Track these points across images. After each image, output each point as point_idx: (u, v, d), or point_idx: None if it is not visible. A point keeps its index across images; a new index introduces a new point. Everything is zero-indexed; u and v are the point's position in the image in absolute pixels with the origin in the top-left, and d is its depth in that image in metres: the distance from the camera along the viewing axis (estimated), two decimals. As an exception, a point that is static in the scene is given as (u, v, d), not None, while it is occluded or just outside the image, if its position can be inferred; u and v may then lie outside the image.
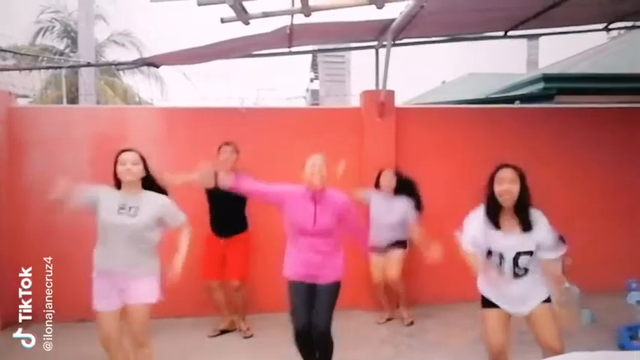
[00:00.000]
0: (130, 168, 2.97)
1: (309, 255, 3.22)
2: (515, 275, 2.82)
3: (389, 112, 5.07)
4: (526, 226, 2.74)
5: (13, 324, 4.71)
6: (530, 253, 2.77)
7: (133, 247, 2.97)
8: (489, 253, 2.86)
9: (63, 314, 4.78)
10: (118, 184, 3.06)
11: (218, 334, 4.48)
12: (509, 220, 2.79)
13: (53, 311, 4.79)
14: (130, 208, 2.97)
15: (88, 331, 4.47)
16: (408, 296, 4.80)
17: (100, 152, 4.91)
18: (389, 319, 4.82)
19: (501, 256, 2.81)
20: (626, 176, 5.57)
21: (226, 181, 3.29)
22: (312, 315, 3.21)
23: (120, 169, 2.99)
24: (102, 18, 16.44)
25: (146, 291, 3.02)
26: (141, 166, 3.04)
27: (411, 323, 4.69)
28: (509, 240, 2.77)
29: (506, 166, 2.81)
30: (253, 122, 5.06)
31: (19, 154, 4.80)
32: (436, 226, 5.00)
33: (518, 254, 2.76)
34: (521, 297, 2.84)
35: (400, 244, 4.60)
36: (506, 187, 2.71)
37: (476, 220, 2.90)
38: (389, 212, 4.56)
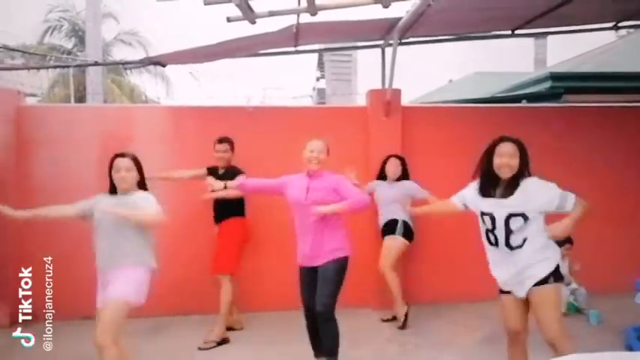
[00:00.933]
0: (124, 176, 3.02)
1: (307, 237, 3.31)
2: (510, 244, 2.76)
3: (395, 111, 5.06)
4: (517, 191, 2.71)
5: (22, 322, 4.76)
6: (524, 216, 2.71)
7: (116, 241, 2.98)
8: (482, 220, 2.86)
9: (65, 312, 4.82)
10: (113, 188, 3.13)
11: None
12: (504, 189, 2.78)
13: (53, 310, 4.85)
14: (122, 204, 2.97)
15: (89, 330, 4.50)
16: (400, 291, 4.54)
17: (107, 151, 4.92)
18: (394, 317, 4.80)
19: (493, 219, 2.78)
20: (634, 176, 5.53)
21: (233, 186, 3.42)
22: (316, 295, 3.29)
23: (114, 176, 3.05)
24: (112, 16, 16.55)
25: (124, 287, 2.93)
26: (134, 173, 3.08)
27: (403, 327, 4.50)
28: (502, 202, 2.74)
29: (507, 139, 2.81)
30: (260, 121, 5.07)
31: (28, 152, 4.83)
32: (441, 224, 5.02)
33: (510, 215, 2.72)
34: (519, 273, 2.77)
35: (395, 227, 4.53)
36: (506, 161, 2.71)
37: (472, 186, 2.98)
38: (392, 194, 4.56)
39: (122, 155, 3.08)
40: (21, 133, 4.81)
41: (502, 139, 2.82)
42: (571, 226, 2.74)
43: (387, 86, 4.96)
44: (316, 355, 3.51)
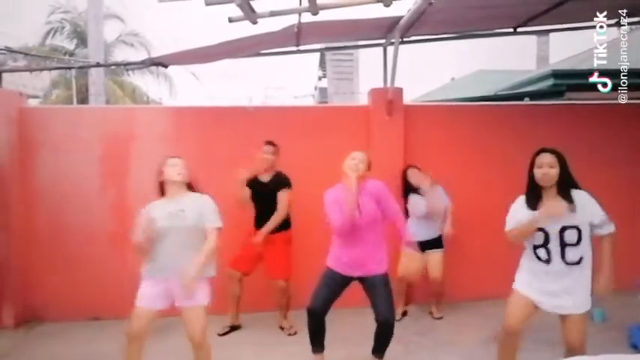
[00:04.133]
0: (181, 170, 3.13)
1: (354, 248, 3.33)
2: (565, 259, 2.77)
3: (397, 110, 5.05)
4: (567, 199, 2.75)
5: (27, 322, 4.78)
6: (578, 229, 2.75)
7: (186, 250, 3.01)
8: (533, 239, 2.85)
9: (75, 313, 4.85)
10: (161, 190, 3.18)
11: (228, 332, 4.50)
12: (550, 202, 2.79)
13: (65, 310, 4.88)
14: (178, 211, 3.05)
15: (100, 330, 4.52)
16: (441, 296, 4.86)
17: (109, 152, 4.95)
18: (404, 314, 4.84)
19: (546, 235, 2.80)
20: (637, 173, 5.51)
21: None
22: (374, 305, 3.33)
23: (170, 170, 3.12)
24: (117, 17, 16.59)
25: (200, 294, 3.06)
26: (187, 171, 3.19)
27: (441, 318, 4.78)
28: (553, 215, 2.74)
29: (545, 150, 2.85)
30: (262, 121, 5.08)
31: (30, 154, 4.84)
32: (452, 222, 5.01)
33: (564, 228, 2.75)
34: (565, 291, 2.80)
35: (438, 242, 4.69)
36: (545, 171, 2.76)
37: (517, 206, 2.95)
38: (430, 202, 4.57)
39: (176, 157, 3.22)
40: (23, 134, 4.82)
41: (540, 150, 2.87)
42: (611, 275, 2.83)
43: (389, 85, 4.95)
44: (314, 351, 3.56)
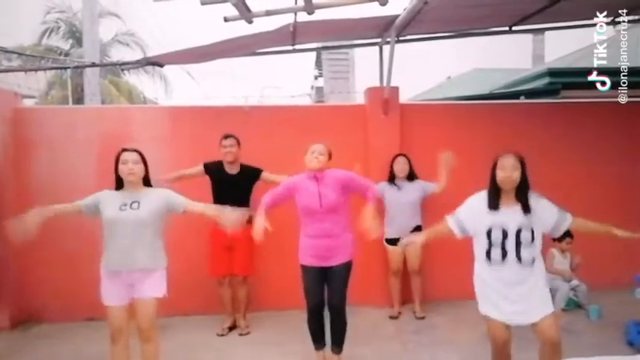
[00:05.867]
0: (132, 167, 3.06)
1: (320, 239, 3.41)
2: (520, 257, 2.80)
3: (393, 109, 5.06)
4: (526, 207, 2.81)
5: (23, 323, 4.77)
6: (532, 230, 2.81)
7: (138, 243, 3.00)
8: (489, 235, 2.87)
9: (70, 313, 4.84)
10: (119, 183, 3.14)
11: (227, 333, 4.50)
12: (509, 203, 2.86)
13: (62, 311, 4.86)
14: (132, 203, 3.03)
15: (95, 330, 4.51)
16: (423, 290, 4.87)
17: (105, 152, 4.92)
18: (399, 313, 4.84)
19: (504, 232, 2.83)
20: (632, 171, 5.53)
21: (260, 211, 3.39)
22: (328, 295, 3.46)
23: (122, 168, 3.07)
24: (115, 15, 16.55)
25: (153, 285, 3.06)
26: (142, 166, 3.12)
27: (422, 318, 4.73)
28: (511, 216, 2.82)
29: (508, 153, 2.88)
30: (258, 120, 5.07)
31: (26, 154, 4.83)
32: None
33: (521, 229, 2.80)
34: (522, 300, 2.82)
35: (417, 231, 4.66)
36: (508, 174, 2.79)
37: (475, 202, 3.00)
38: (404, 197, 4.64)
39: (128, 150, 3.13)
40: (18, 134, 4.80)
41: (503, 154, 2.89)
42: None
43: (385, 84, 4.96)
44: (317, 348, 3.62)
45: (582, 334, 4.19)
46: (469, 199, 3.06)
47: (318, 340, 3.62)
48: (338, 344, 3.58)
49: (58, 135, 4.88)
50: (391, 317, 4.79)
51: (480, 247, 2.96)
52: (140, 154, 3.14)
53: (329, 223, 3.37)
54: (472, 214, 2.97)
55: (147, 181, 3.19)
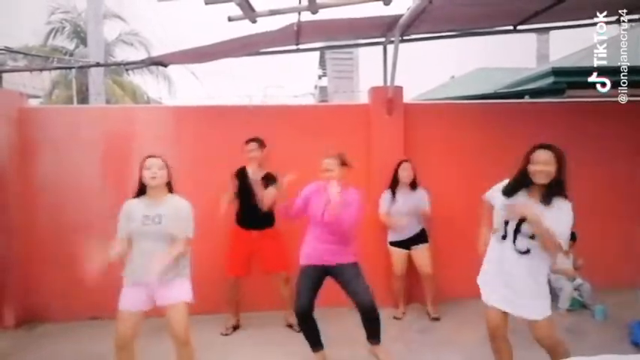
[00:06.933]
0: (156, 172, 3.08)
1: (321, 244, 3.48)
2: (516, 244, 2.83)
3: (397, 109, 5.05)
4: (545, 201, 2.74)
5: (28, 323, 4.78)
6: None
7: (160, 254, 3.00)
8: (497, 214, 2.95)
9: (74, 312, 4.85)
10: (142, 189, 3.15)
11: (231, 332, 4.50)
12: (532, 194, 2.82)
13: (66, 310, 4.88)
14: (154, 217, 3.05)
15: (99, 329, 4.52)
16: (435, 292, 4.87)
17: (109, 151, 4.95)
18: (403, 314, 4.84)
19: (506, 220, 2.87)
20: (638, 171, 5.50)
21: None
22: (351, 296, 3.45)
23: (145, 173, 3.09)
24: (118, 17, 16.59)
25: (181, 291, 3.10)
26: (165, 172, 3.14)
27: (438, 319, 4.73)
28: (528, 203, 2.78)
29: (543, 146, 2.81)
30: (261, 120, 5.07)
31: (31, 153, 4.84)
32: (447, 222, 5.01)
33: (523, 220, 2.77)
34: (513, 290, 2.86)
35: (422, 237, 4.72)
36: (540, 168, 2.73)
37: (502, 183, 3.02)
38: (407, 203, 4.64)
39: (154, 156, 3.16)
40: (23, 134, 4.82)
41: (538, 147, 2.83)
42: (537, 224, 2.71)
43: (388, 84, 4.95)
44: (314, 350, 3.61)
45: (587, 335, 4.18)
46: (498, 185, 3.09)
47: (314, 343, 3.60)
48: (374, 337, 3.60)
49: (63, 134, 4.90)
50: (395, 318, 4.79)
51: (496, 219, 3.02)
52: (164, 160, 3.17)
53: (329, 232, 3.44)
54: (494, 192, 3.05)
55: (171, 188, 3.23)
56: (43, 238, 4.86)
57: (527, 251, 2.82)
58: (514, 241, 2.85)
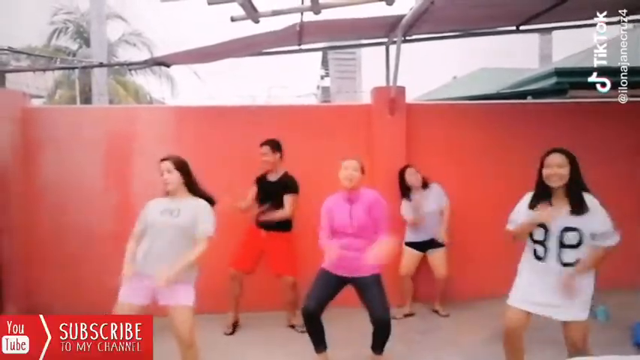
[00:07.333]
0: (167, 177, 3.09)
1: (350, 252, 3.36)
2: (561, 259, 2.79)
3: (399, 109, 5.05)
4: (576, 207, 2.74)
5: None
6: (580, 232, 2.74)
7: (174, 250, 3.02)
8: (531, 233, 2.87)
9: (73, 311, 4.86)
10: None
11: (233, 330, 4.51)
12: (558, 203, 2.80)
13: (68, 310, 4.88)
14: (173, 210, 3.07)
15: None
16: (428, 291, 4.89)
17: (112, 152, 4.96)
18: (407, 315, 4.83)
19: (546, 231, 2.80)
20: (638, 171, 5.49)
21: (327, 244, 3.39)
22: (368, 309, 3.37)
23: (161, 178, 3.12)
24: (120, 17, 16.63)
25: (187, 294, 3.09)
26: (176, 173, 3.12)
27: (448, 315, 4.78)
28: (558, 220, 2.75)
29: (555, 150, 2.83)
30: (264, 120, 5.08)
31: (33, 153, 4.86)
32: (450, 223, 5.00)
33: (566, 229, 2.75)
34: (561, 298, 2.78)
35: (438, 242, 4.70)
36: (554, 171, 2.75)
37: (522, 206, 2.95)
38: (428, 202, 4.64)
39: (163, 159, 3.16)
40: (27, 134, 4.84)
41: (551, 151, 2.85)
42: (589, 265, 2.77)
43: (391, 84, 4.95)
44: (317, 351, 3.58)
45: (589, 335, 4.16)
46: (519, 203, 3.01)
47: (318, 344, 3.58)
48: (379, 347, 3.54)
49: (66, 134, 4.91)
50: (405, 315, 4.81)
51: (528, 239, 2.95)
52: (175, 161, 3.15)
53: (358, 240, 3.37)
54: (519, 214, 2.95)
55: (192, 188, 3.19)
56: (45, 238, 4.87)
57: (577, 262, 2.78)
58: (559, 257, 2.80)
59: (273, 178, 4.42)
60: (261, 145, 4.40)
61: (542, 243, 2.83)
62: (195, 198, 3.18)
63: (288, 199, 4.30)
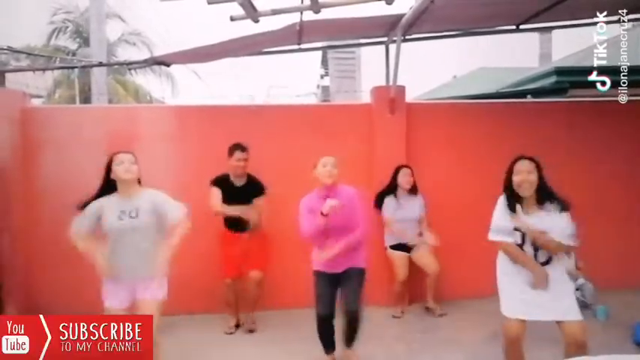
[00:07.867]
0: (129, 167, 3.05)
1: (335, 249, 3.38)
2: (538, 261, 2.87)
3: (399, 108, 5.04)
4: (547, 209, 2.83)
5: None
6: (551, 234, 2.79)
7: (138, 251, 3.01)
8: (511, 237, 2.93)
9: (72, 310, 4.86)
10: (110, 186, 3.11)
11: (235, 331, 4.51)
12: (529, 209, 2.87)
13: (68, 309, 4.88)
14: (130, 211, 3.02)
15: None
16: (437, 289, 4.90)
17: (112, 151, 4.94)
18: (402, 312, 4.85)
19: (523, 237, 2.88)
20: (638, 171, 5.49)
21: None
22: (343, 298, 3.46)
23: (117, 168, 3.04)
24: (119, 17, 16.62)
25: (155, 289, 3.06)
26: (137, 166, 3.10)
27: (445, 314, 4.78)
28: (530, 220, 2.82)
29: (523, 157, 2.90)
30: (264, 119, 5.08)
31: (33, 153, 4.86)
32: (449, 222, 5.01)
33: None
34: (549, 293, 2.83)
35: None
36: (524, 177, 2.81)
37: (499, 208, 3.00)
38: (411, 208, 4.70)
39: (124, 152, 3.12)
40: (26, 134, 4.83)
41: (518, 158, 2.93)
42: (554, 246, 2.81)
43: (391, 83, 4.95)
44: (327, 352, 3.62)
45: (589, 335, 4.15)
46: (495, 209, 3.03)
47: (328, 346, 3.62)
48: (351, 341, 3.62)
49: (65, 134, 4.91)
50: (394, 316, 4.82)
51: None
52: (134, 156, 3.13)
53: (338, 236, 3.38)
54: (505, 221, 2.95)
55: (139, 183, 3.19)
56: (46, 238, 4.87)
57: (549, 260, 2.87)
58: (535, 257, 2.88)
59: (239, 182, 4.35)
60: (241, 149, 4.31)
61: (520, 247, 2.91)
62: (145, 189, 3.14)
63: (258, 202, 4.33)
